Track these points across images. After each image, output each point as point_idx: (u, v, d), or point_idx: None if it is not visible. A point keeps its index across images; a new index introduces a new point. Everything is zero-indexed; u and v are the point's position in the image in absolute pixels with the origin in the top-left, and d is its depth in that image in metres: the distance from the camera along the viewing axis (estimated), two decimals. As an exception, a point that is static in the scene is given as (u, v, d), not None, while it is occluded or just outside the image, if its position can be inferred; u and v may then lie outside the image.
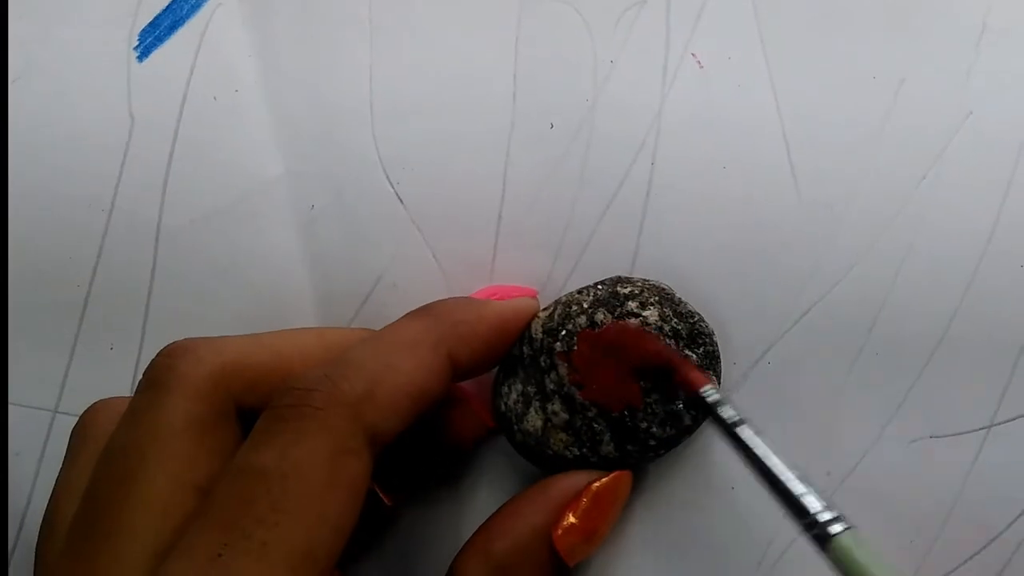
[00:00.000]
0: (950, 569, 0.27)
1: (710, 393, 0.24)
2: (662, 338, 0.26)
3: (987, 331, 0.27)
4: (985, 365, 0.27)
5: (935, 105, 0.28)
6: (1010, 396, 0.27)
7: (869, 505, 0.27)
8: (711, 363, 0.26)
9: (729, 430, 0.23)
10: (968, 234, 0.28)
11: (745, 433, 0.23)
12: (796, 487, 0.22)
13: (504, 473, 0.29)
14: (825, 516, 0.21)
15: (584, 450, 0.26)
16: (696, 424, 0.26)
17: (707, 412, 0.24)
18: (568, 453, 0.26)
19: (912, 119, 0.28)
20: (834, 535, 0.21)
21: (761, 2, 0.29)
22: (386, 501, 0.27)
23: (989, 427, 0.27)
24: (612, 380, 0.25)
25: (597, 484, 0.25)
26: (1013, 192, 0.28)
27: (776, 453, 0.23)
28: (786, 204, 0.28)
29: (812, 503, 0.22)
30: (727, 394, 0.28)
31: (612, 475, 0.26)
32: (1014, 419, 0.27)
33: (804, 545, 0.27)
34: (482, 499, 0.28)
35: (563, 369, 0.26)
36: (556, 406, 0.26)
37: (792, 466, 0.22)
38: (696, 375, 0.25)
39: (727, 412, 0.24)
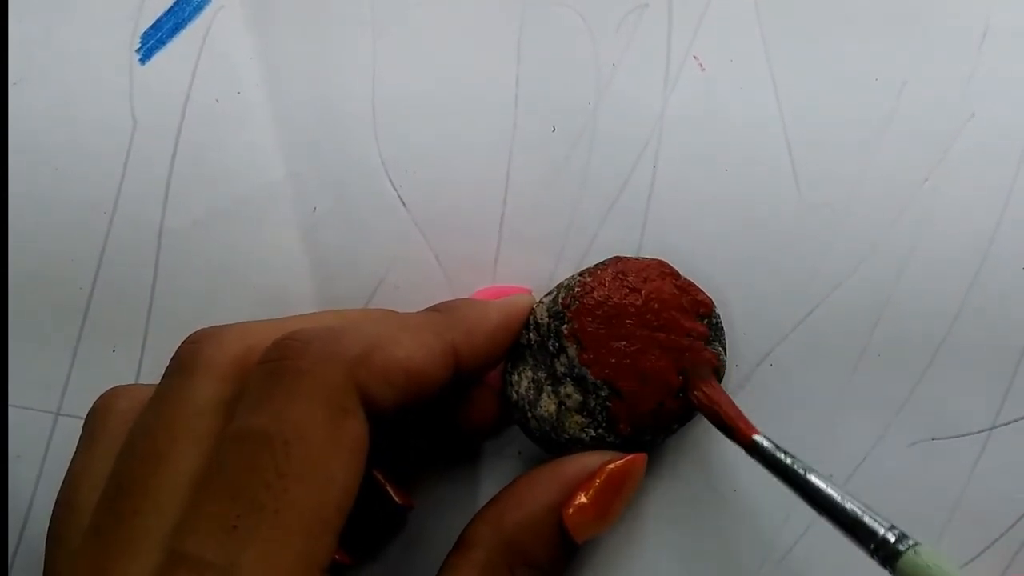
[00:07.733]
0: (952, 571, 0.27)
1: (763, 441, 0.24)
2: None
3: (989, 333, 0.27)
4: (987, 367, 0.27)
5: (937, 107, 0.28)
6: (1012, 398, 0.27)
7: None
8: (717, 335, 0.27)
9: (788, 474, 0.23)
10: (970, 236, 0.28)
11: (812, 476, 0.23)
12: (868, 519, 0.22)
13: (513, 470, 0.29)
14: (891, 537, 0.22)
15: (600, 430, 0.26)
16: None
17: (763, 460, 0.24)
18: (584, 435, 0.26)
19: (914, 121, 0.28)
20: (904, 553, 0.21)
21: (763, 4, 0.29)
22: (398, 501, 0.27)
23: (991, 429, 0.27)
24: (622, 356, 0.25)
25: (612, 465, 0.25)
26: (1015, 194, 0.28)
27: (826, 482, 0.23)
28: (788, 206, 0.28)
29: (878, 527, 0.22)
30: (733, 395, 0.28)
31: (628, 457, 0.25)
32: (1016, 421, 0.27)
33: (809, 542, 0.27)
34: (490, 495, 0.28)
35: (572, 350, 0.26)
36: (568, 388, 0.26)
37: (846, 492, 0.23)
38: (748, 425, 0.24)
39: (786, 458, 0.24)
